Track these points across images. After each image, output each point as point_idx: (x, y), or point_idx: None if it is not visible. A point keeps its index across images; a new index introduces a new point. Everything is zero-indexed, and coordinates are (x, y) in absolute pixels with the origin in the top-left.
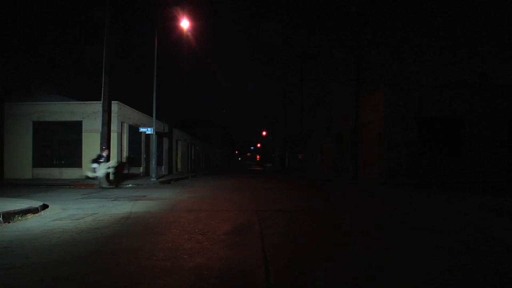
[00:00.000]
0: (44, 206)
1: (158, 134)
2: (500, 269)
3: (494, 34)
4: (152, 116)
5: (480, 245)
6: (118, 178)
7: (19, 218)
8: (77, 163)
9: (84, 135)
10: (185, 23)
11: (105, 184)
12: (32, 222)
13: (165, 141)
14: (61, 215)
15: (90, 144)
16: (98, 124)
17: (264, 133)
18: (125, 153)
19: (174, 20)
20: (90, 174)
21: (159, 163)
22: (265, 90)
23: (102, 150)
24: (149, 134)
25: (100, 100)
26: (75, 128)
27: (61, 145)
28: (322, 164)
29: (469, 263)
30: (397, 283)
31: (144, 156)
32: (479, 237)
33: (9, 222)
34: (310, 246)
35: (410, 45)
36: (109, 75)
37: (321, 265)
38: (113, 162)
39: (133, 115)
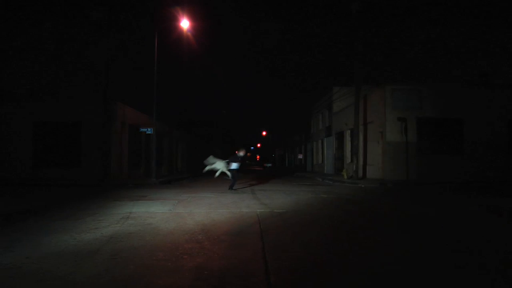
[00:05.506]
0: (44, 206)
1: (158, 134)
2: None
3: (494, 34)
4: (152, 116)
5: None
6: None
7: (19, 218)
8: (77, 163)
9: (84, 135)
10: (185, 23)
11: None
12: (32, 222)
13: (165, 141)
14: (61, 215)
15: (90, 144)
16: (98, 124)
17: (264, 133)
18: (125, 153)
19: (174, 20)
20: (227, 172)
21: (159, 163)
22: (265, 90)
23: (238, 150)
24: (149, 134)
25: (100, 100)
26: (75, 128)
27: (61, 145)
28: (322, 164)
29: None
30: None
31: (144, 156)
32: None
33: (9, 222)
34: (311, 247)
35: (410, 45)
36: (109, 75)
37: (322, 266)
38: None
39: (133, 115)
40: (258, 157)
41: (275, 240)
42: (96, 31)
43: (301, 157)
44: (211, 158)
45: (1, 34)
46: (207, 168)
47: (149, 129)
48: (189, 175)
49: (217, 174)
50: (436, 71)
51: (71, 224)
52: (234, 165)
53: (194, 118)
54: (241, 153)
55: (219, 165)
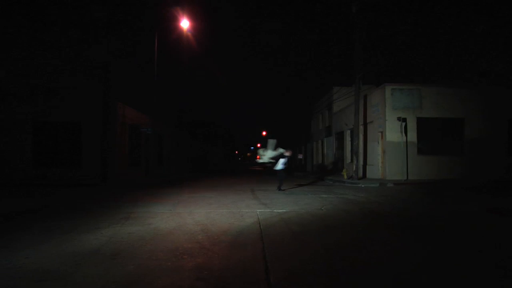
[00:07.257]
0: (45, 206)
1: (158, 134)
2: None
3: (495, 33)
4: (152, 116)
5: None
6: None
7: (19, 218)
8: (77, 163)
9: (84, 135)
10: (185, 23)
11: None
12: (32, 222)
13: (166, 141)
14: (61, 215)
15: (90, 144)
16: (98, 124)
17: (264, 133)
18: (125, 153)
19: (174, 20)
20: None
21: (159, 163)
22: (265, 90)
23: (286, 151)
24: (149, 134)
25: (100, 100)
26: (75, 128)
27: (61, 145)
28: (323, 164)
29: None
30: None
31: (144, 156)
32: None
33: (9, 222)
34: (311, 247)
35: (410, 44)
36: (109, 75)
37: (322, 265)
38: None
39: (133, 115)
40: (258, 157)
41: (275, 240)
42: (96, 31)
43: (301, 157)
44: (261, 151)
45: (1, 33)
46: (263, 161)
47: (149, 129)
48: (190, 175)
49: (260, 161)
50: (436, 70)
51: (71, 224)
52: (280, 165)
53: (194, 118)
54: (287, 153)
55: (267, 155)
